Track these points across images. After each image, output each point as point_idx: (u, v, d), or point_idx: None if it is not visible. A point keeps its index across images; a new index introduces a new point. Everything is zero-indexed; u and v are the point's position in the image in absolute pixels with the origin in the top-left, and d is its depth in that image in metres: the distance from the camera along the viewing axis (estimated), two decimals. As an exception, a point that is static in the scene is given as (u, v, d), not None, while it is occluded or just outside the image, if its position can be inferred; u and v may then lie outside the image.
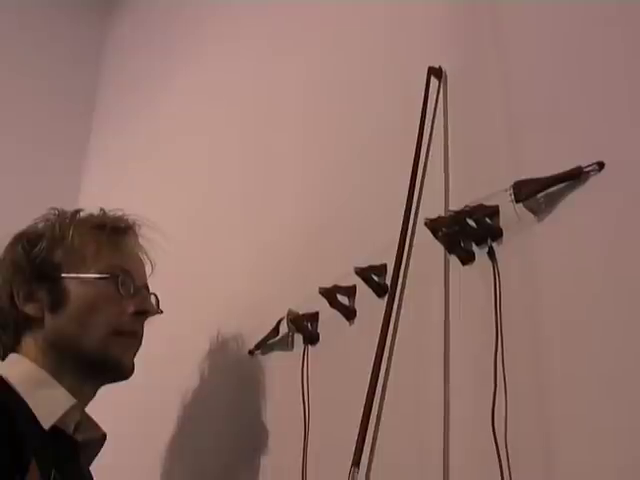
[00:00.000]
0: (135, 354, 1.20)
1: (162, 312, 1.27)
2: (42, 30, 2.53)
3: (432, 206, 1.11)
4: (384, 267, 1.18)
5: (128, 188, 2.13)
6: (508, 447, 0.90)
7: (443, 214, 1.09)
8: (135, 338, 1.20)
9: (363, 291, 1.22)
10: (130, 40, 2.51)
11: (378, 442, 1.09)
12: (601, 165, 0.92)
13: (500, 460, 0.89)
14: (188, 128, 1.98)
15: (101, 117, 2.52)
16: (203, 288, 1.64)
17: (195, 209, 1.81)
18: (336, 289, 1.25)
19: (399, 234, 1.09)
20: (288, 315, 1.34)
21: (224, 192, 1.72)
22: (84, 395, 1.15)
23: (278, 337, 1.38)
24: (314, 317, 1.31)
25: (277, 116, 1.63)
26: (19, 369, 1.11)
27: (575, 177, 0.94)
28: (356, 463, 0.94)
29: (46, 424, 1.05)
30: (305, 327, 1.31)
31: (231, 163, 1.73)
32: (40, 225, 1.22)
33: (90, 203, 2.26)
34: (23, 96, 2.43)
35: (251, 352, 1.43)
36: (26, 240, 1.19)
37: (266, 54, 1.74)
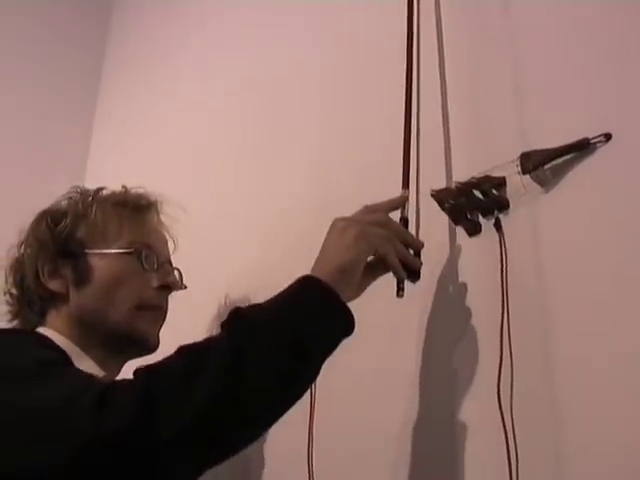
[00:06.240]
0: (160, 328, 1.22)
1: (186, 287, 1.28)
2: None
3: (438, 178, 1.11)
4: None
5: (137, 155, 2.13)
6: (514, 419, 0.90)
7: (452, 186, 1.09)
8: (160, 312, 1.22)
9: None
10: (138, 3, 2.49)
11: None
12: (608, 136, 0.91)
13: (506, 433, 0.89)
14: (200, 95, 1.96)
15: (108, 82, 2.51)
16: (214, 257, 1.64)
17: (204, 181, 1.80)
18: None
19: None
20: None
21: (235, 162, 1.71)
22: (109, 370, 1.16)
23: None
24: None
25: (287, 82, 1.61)
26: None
27: (582, 148, 0.93)
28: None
29: None
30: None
31: (243, 135, 1.71)
32: (63, 203, 1.24)
33: (98, 169, 2.28)
34: (27, 57, 2.40)
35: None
36: (50, 217, 1.21)
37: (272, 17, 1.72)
